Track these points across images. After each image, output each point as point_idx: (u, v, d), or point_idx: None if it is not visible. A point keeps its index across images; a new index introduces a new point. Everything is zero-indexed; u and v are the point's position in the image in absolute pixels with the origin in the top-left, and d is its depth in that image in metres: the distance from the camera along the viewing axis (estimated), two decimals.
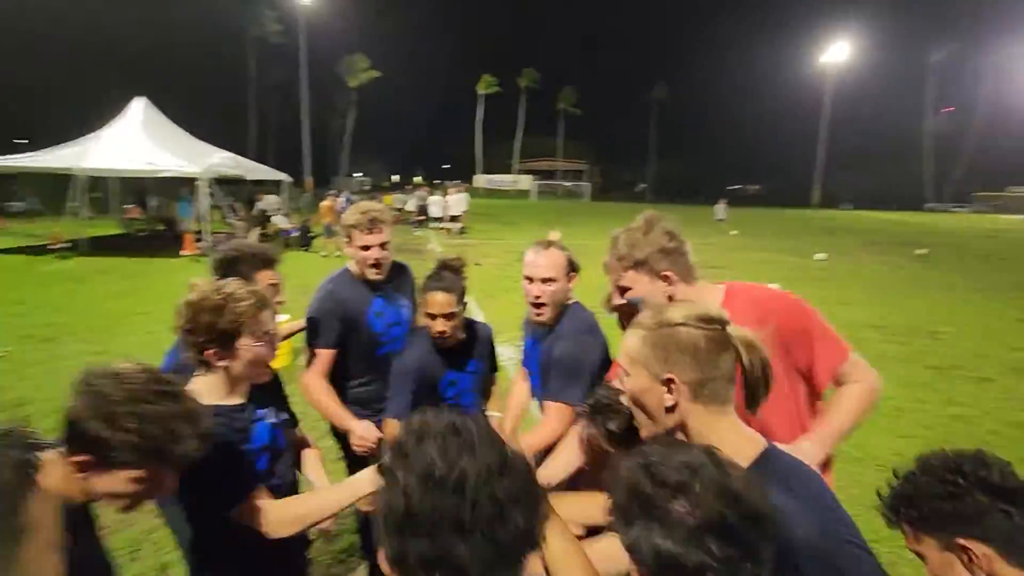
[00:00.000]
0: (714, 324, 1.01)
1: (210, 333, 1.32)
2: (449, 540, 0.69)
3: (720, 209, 22.04)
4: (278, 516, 1.29)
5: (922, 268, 13.69)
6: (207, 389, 1.35)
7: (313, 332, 2.15)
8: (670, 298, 1.50)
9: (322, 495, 1.44)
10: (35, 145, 13.52)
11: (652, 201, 51.30)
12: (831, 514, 0.96)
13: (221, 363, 1.36)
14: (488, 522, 0.70)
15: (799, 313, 1.50)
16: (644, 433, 1.08)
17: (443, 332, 1.97)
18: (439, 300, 1.93)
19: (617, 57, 77.51)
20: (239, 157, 15.89)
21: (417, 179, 48.35)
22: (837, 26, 53.91)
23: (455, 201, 18.72)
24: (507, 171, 61.40)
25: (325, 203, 14.66)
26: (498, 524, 0.70)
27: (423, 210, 19.20)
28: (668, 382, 1.01)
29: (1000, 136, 52.95)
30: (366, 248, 2.13)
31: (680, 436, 1.04)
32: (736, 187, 78.63)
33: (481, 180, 57.39)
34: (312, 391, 2.13)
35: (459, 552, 0.68)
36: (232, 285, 1.38)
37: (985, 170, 51.59)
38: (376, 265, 2.16)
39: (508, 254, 12.49)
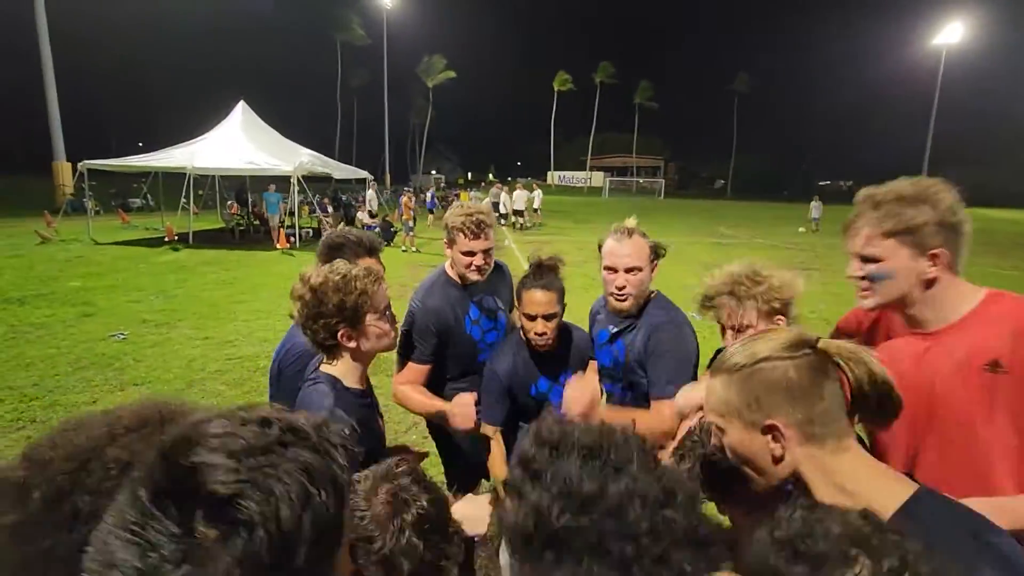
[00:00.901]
0: (803, 349, 0.86)
1: (341, 312, 1.33)
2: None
3: (815, 207, 20.53)
4: None
5: None
6: (344, 374, 1.38)
7: (407, 345, 2.08)
8: (928, 283, 1.22)
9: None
10: (150, 147, 14.92)
11: (732, 198, 48.99)
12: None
13: (351, 344, 1.37)
14: (648, 562, 0.58)
15: None
16: (758, 488, 0.93)
17: (543, 334, 1.85)
18: (538, 299, 1.82)
19: (696, 48, 74.56)
20: (325, 156, 16.81)
21: (491, 176, 49.00)
22: (948, 5, 48.88)
23: (518, 197, 19.00)
24: (581, 168, 60.86)
25: (404, 199, 15.14)
26: (660, 567, 0.58)
27: (496, 207, 19.52)
28: (770, 429, 0.86)
29: None
30: (471, 254, 2.03)
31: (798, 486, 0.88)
32: (826, 183, 73.62)
33: (554, 177, 57.30)
34: (404, 396, 2.08)
35: None
36: (344, 265, 1.39)
37: None
38: (478, 270, 2.07)
39: (581, 251, 12.31)
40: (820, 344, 0.86)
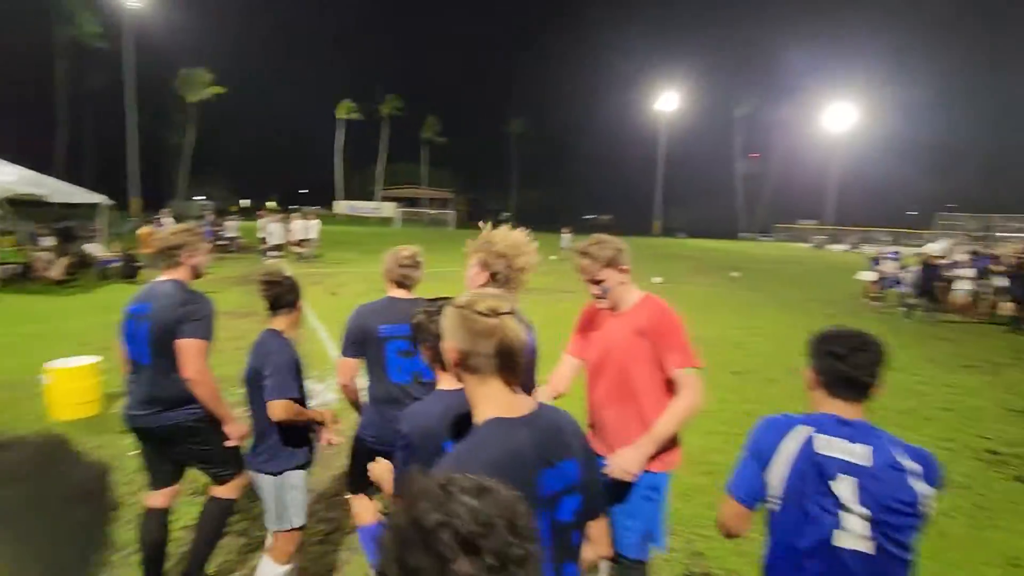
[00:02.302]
0: (491, 312, 1.20)
1: None
2: None
3: (566, 238, 23.05)
4: None
5: (736, 288, 15.96)
6: None
7: None
8: (620, 286, 2.25)
9: None
10: None
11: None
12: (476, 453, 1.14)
13: None
14: None
15: (673, 323, 2.20)
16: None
17: None
18: None
19: (478, 90, 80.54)
20: (41, 175, 13.57)
21: (271, 204, 45.13)
22: (666, 79, 61.69)
23: (298, 227, 18.04)
24: (371, 198, 60.04)
25: (144, 230, 13.00)
26: None
27: (264, 239, 18.04)
28: (447, 351, 1.24)
29: (791, 177, 64.07)
30: None
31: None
32: (591, 217, 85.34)
33: (342, 206, 55.36)
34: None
35: None
36: None
37: (782, 205, 61.94)
38: None
39: (366, 283, 12.16)
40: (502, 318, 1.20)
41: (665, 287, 15.24)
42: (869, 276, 13.33)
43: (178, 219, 14.67)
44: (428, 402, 1.54)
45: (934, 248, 13.21)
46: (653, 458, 2.13)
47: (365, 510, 2.44)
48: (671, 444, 2.20)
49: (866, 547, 1.34)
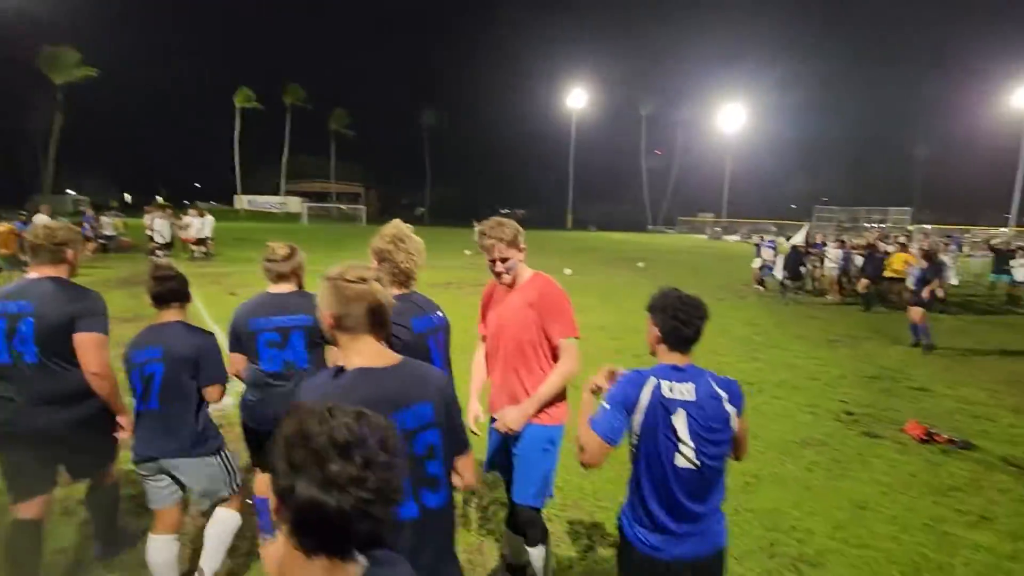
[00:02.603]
0: (359, 280, 1.44)
1: None
2: None
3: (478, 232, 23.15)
4: None
5: (641, 278, 16.83)
6: None
7: None
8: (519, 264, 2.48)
9: None
10: None
11: (430, 224, 52.90)
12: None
13: None
14: None
15: (558, 297, 2.46)
16: None
17: None
18: None
19: (387, 82, 78.48)
20: None
21: (159, 199, 41.34)
22: (577, 76, 63.48)
23: (191, 224, 16.75)
24: (275, 192, 56.79)
25: (2, 228, 11.54)
26: None
27: (152, 237, 16.52)
28: (324, 317, 1.47)
29: (692, 173, 68.48)
30: None
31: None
32: (506, 211, 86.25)
33: (243, 201, 51.91)
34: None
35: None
36: None
37: (684, 199, 66.04)
38: None
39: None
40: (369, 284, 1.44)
41: (575, 278, 15.78)
42: (756, 263, 14.62)
43: (53, 215, 13.07)
44: (322, 373, 1.64)
45: (796, 238, 14.79)
46: (544, 414, 2.42)
47: (262, 482, 2.63)
48: (559, 400, 2.48)
49: (693, 464, 1.77)
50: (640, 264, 20.24)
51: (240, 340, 2.61)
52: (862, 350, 8.14)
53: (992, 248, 13.49)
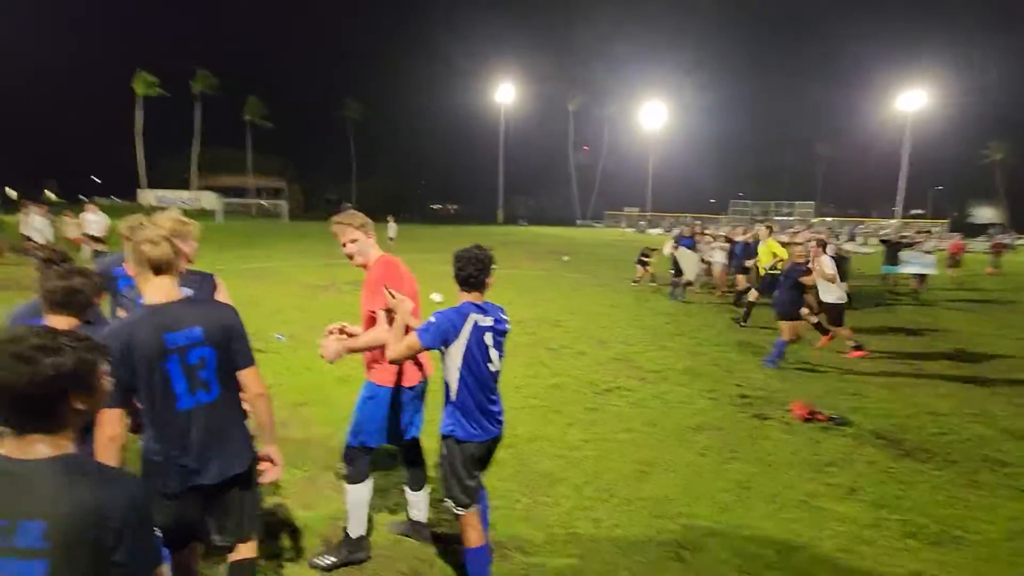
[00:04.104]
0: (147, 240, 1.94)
1: None
2: None
3: (391, 228, 22.36)
4: None
5: (564, 271, 17.08)
6: None
7: None
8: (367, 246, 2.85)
9: None
10: None
11: None
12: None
13: None
14: None
15: (380, 275, 2.73)
16: None
17: None
18: None
19: (307, 71, 75.17)
20: None
21: (49, 194, 37.41)
22: (505, 70, 63.50)
23: (94, 222, 15.19)
24: (186, 187, 53.02)
25: None
26: None
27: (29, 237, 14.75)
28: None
29: (618, 168, 70.52)
30: None
31: None
32: (437, 206, 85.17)
33: (149, 197, 48.04)
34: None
35: None
36: None
37: (611, 194, 67.94)
38: None
39: None
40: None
41: (501, 272, 15.70)
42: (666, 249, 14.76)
43: None
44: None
45: (654, 231, 15.20)
46: (375, 371, 2.83)
47: None
48: (391, 365, 2.74)
49: (497, 368, 2.53)
50: (565, 258, 20.55)
51: None
52: (761, 335, 8.60)
53: (883, 241, 14.48)
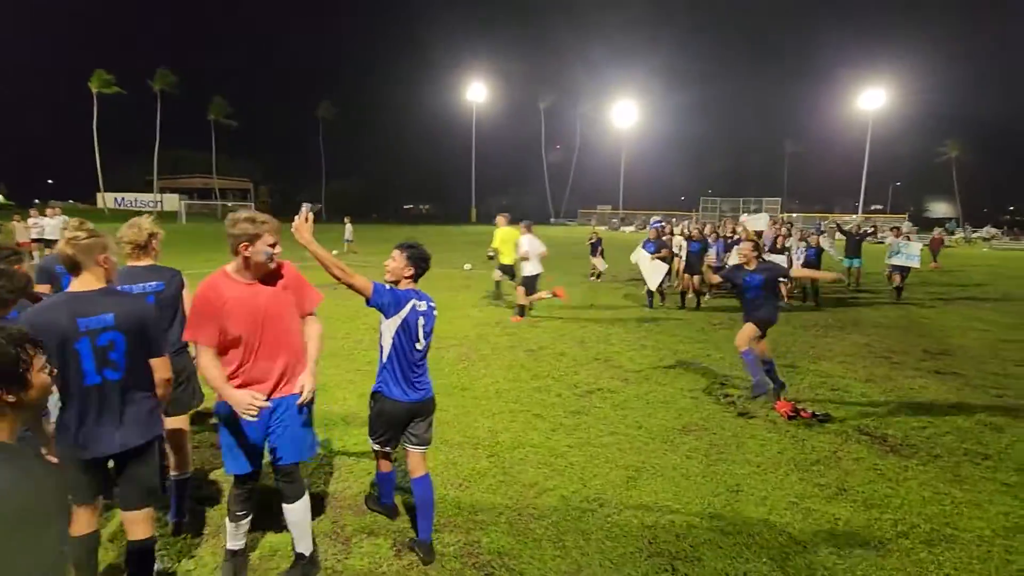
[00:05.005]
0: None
1: None
2: None
3: (348, 230, 21.57)
4: None
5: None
6: None
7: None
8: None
9: None
10: None
11: (326, 222, 50.29)
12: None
13: None
14: None
15: (298, 272, 2.73)
16: None
17: None
18: None
19: (275, 71, 73.42)
20: None
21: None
22: (476, 69, 63.10)
23: (52, 225, 14.51)
24: (148, 189, 51.23)
25: None
26: None
27: None
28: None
29: (591, 167, 70.91)
30: None
31: None
32: (410, 206, 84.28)
33: (108, 200, 46.25)
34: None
35: None
36: None
37: (585, 192, 68.31)
38: None
39: None
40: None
41: (475, 273, 15.55)
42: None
43: None
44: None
45: (627, 228, 15.22)
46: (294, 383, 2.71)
47: None
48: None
49: (423, 347, 2.94)
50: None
51: None
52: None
53: (843, 232, 14.49)
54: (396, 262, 2.90)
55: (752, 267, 5.47)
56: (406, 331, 2.83)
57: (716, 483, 3.82)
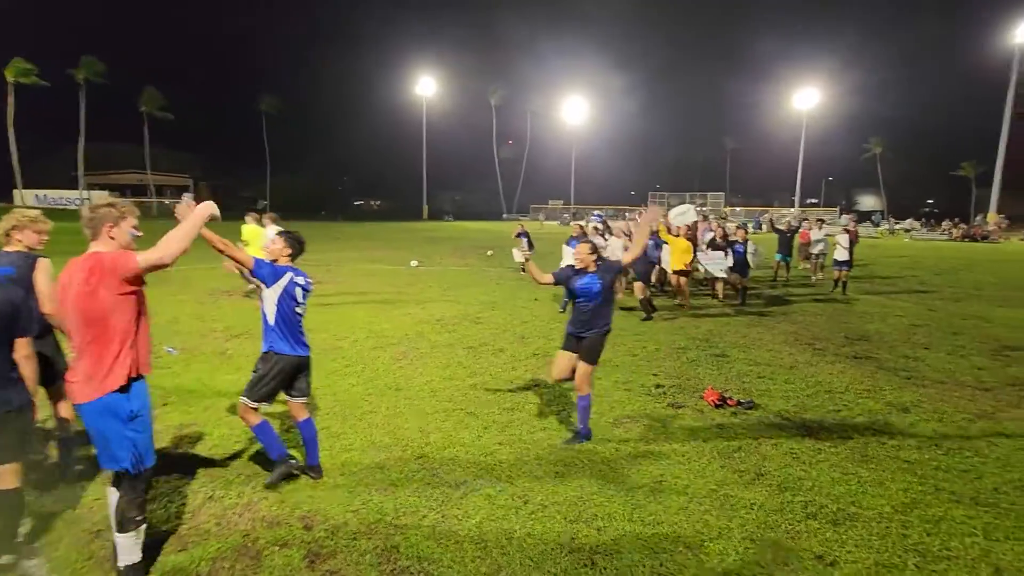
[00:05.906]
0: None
1: None
2: None
3: (268, 231, 20.86)
4: None
5: (487, 266, 16.91)
6: None
7: None
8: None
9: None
10: None
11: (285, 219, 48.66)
12: None
13: None
14: None
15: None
16: None
17: None
18: None
19: (215, 61, 70.07)
20: None
21: None
22: (425, 63, 62.22)
23: None
24: (73, 186, 47.95)
25: None
26: None
27: None
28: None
29: (542, 163, 71.33)
30: None
31: None
32: (360, 203, 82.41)
33: (27, 196, 43.02)
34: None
35: None
36: None
37: (536, 188, 68.65)
38: None
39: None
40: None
41: (421, 270, 15.36)
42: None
43: None
44: None
45: (574, 224, 15.30)
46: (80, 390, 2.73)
47: None
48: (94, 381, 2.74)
49: (302, 313, 3.60)
50: (489, 252, 20.44)
51: None
52: (676, 324, 8.84)
53: (775, 229, 15.08)
54: (276, 244, 3.63)
55: (592, 270, 4.37)
56: (286, 299, 3.48)
57: (641, 474, 3.88)
